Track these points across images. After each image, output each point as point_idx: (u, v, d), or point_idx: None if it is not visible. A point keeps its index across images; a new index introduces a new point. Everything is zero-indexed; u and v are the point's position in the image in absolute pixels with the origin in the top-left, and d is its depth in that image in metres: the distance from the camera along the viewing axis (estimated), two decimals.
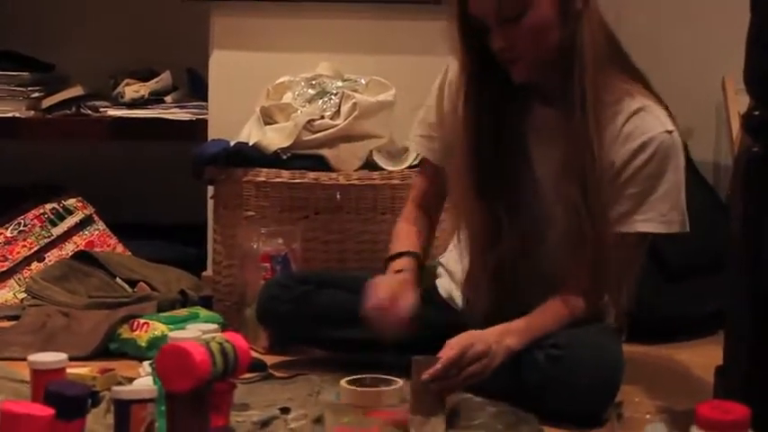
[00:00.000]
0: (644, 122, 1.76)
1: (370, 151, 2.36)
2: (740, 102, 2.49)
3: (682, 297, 2.38)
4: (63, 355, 1.61)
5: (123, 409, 1.39)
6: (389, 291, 1.79)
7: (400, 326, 1.78)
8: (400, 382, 1.63)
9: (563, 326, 1.78)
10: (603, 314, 1.89)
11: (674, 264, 2.38)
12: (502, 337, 1.73)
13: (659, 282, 2.37)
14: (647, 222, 1.77)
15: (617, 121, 1.76)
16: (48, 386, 1.38)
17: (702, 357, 2.09)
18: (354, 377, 1.64)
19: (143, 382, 1.72)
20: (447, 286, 1.99)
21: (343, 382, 1.64)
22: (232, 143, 2.37)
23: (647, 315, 2.29)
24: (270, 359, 2.07)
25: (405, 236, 1.93)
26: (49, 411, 1.32)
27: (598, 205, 1.73)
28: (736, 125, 2.57)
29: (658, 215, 1.77)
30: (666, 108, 1.81)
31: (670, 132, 1.77)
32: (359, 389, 1.62)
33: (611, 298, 1.86)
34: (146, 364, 1.93)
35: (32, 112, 2.73)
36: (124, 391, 1.43)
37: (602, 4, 2.51)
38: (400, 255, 1.88)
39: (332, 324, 1.96)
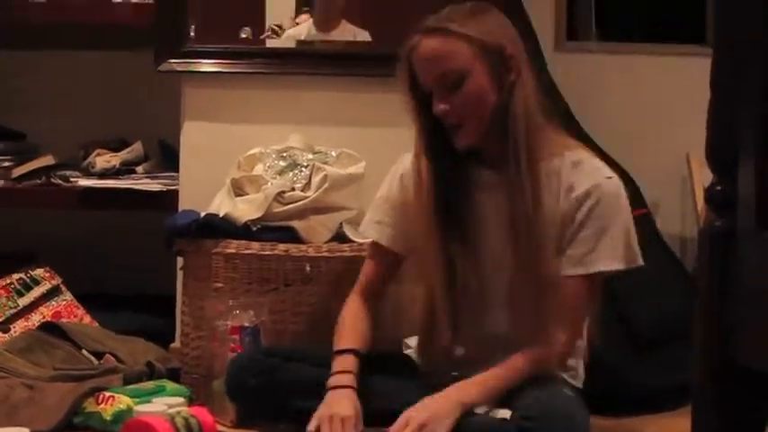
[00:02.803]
0: (584, 172, 1.89)
1: (340, 223, 2.37)
2: (705, 174, 2.54)
3: (653, 368, 2.38)
4: (26, 430, 1.59)
5: None
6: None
7: None
8: None
9: (524, 378, 1.83)
10: (577, 356, 1.97)
11: (644, 334, 2.40)
12: (451, 397, 1.79)
13: (630, 352, 2.38)
14: (605, 260, 1.87)
15: (560, 173, 1.89)
16: None
17: (671, 431, 2.08)
18: None
19: None
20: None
21: None
22: (202, 214, 2.37)
23: (618, 385, 2.30)
24: None
25: (350, 329, 2.01)
26: None
27: (537, 251, 1.84)
28: (700, 198, 2.61)
29: (615, 253, 1.87)
30: (602, 160, 1.96)
31: (610, 178, 1.90)
32: None
33: (571, 343, 1.92)
34: None
35: (2, 182, 2.73)
36: None
37: (571, 78, 2.61)
38: (344, 351, 1.96)
39: (299, 396, 1.96)
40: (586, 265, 1.87)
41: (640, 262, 1.90)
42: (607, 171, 1.91)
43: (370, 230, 2.07)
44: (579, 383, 2.00)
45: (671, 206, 2.77)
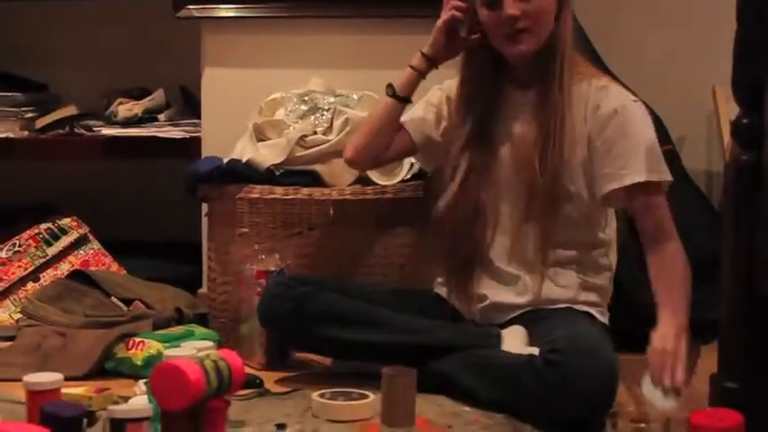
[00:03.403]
0: (610, 94, 1.98)
1: None
2: (731, 109, 2.50)
3: None
4: (58, 376, 1.61)
5: (119, 427, 1.39)
6: None
7: None
8: (371, 396, 1.73)
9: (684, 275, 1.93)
10: (605, 294, 2.03)
11: None
12: (679, 325, 1.85)
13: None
14: (636, 174, 1.92)
15: (588, 97, 1.97)
16: (43, 407, 1.39)
17: (698, 366, 2.08)
18: (327, 390, 1.79)
19: (139, 400, 1.72)
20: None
21: (314, 396, 1.70)
22: (225, 160, 2.38)
23: (644, 322, 2.29)
24: (266, 375, 2.07)
25: None
26: None
27: (558, 166, 1.93)
28: (727, 133, 2.58)
29: (644, 167, 1.92)
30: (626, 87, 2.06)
31: (635, 101, 1.99)
32: (329, 402, 1.77)
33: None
34: (141, 382, 1.93)
35: (26, 133, 2.74)
36: (119, 410, 1.44)
37: (595, 15, 2.57)
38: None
39: (330, 325, 2.00)
40: (621, 179, 1.92)
41: (669, 177, 1.96)
42: (632, 96, 2.01)
43: (406, 118, 2.14)
44: (606, 320, 2.02)
45: (697, 141, 2.74)
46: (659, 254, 1.93)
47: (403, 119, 2.13)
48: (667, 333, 1.82)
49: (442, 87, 2.13)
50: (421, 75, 2.08)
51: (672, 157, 2.55)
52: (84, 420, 1.43)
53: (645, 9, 2.77)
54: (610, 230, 2.07)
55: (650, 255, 1.94)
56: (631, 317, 2.17)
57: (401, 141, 2.13)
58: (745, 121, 1.64)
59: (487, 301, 2.01)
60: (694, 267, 2.42)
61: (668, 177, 1.96)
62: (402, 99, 2.09)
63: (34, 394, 1.57)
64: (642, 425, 1.37)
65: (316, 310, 2.01)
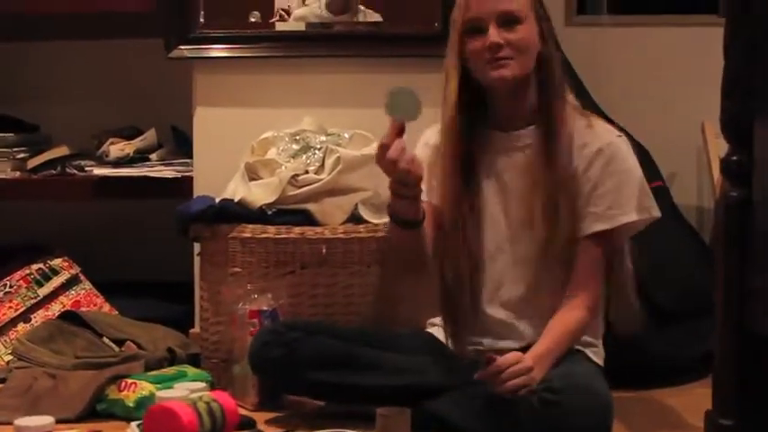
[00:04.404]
0: (596, 132, 1.98)
1: (356, 204, 2.37)
2: (720, 145, 2.52)
3: (672, 340, 2.38)
4: (50, 419, 1.60)
5: None
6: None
7: (409, 164, 1.84)
8: None
9: (576, 338, 1.91)
10: (596, 333, 2.01)
11: (663, 306, 2.39)
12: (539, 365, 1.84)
13: (649, 325, 2.37)
14: (626, 215, 1.93)
15: (572, 134, 1.95)
16: None
17: (692, 402, 2.08)
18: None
19: None
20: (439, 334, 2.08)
21: None
22: (217, 200, 2.38)
23: (637, 358, 2.30)
24: (259, 416, 2.06)
25: None
26: None
27: (568, 210, 1.91)
28: (716, 169, 2.59)
29: (635, 204, 1.93)
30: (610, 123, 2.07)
31: (620, 136, 1.99)
32: None
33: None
34: (134, 424, 1.92)
35: (18, 173, 2.74)
36: None
37: (583, 53, 2.59)
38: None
39: (321, 369, 1.99)
40: (610, 220, 1.92)
41: (658, 213, 1.97)
42: (617, 131, 2.01)
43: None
44: (601, 361, 2.01)
45: (687, 178, 2.75)
46: (572, 305, 1.92)
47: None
48: (529, 357, 1.84)
49: (427, 142, 2.07)
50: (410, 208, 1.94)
51: (662, 194, 2.57)
52: None
53: (634, 45, 2.80)
54: None
55: (567, 299, 1.92)
56: (626, 353, 2.18)
57: (430, 217, 1.98)
58: (734, 158, 1.65)
59: (481, 347, 1.99)
60: (685, 303, 2.43)
61: (657, 213, 1.97)
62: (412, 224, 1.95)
63: None
64: None
65: (306, 355, 1.99)
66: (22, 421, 1.60)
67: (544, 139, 1.94)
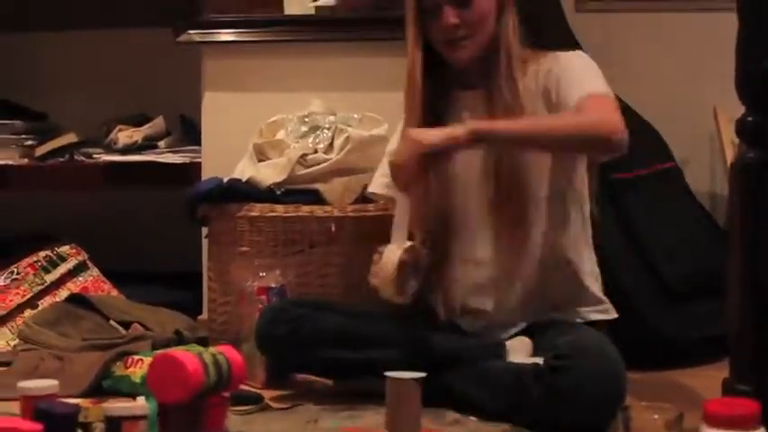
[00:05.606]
0: (557, 56, 1.97)
1: (365, 185, 2.35)
2: (732, 130, 2.49)
3: (682, 321, 2.35)
4: (53, 381, 1.58)
5: (115, 426, 1.35)
6: None
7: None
8: None
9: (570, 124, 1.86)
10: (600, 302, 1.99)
11: (675, 288, 2.37)
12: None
13: (660, 305, 2.35)
14: (591, 85, 1.89)
15: (537, 72, 1.96)
16: (37, 405, 1.35)
17: (707, 381, 2.05)
18: None
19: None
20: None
21: None
22: (225, 179, 2.36)
23: (648, 338, 2.27)
24: (267, 394, 2.03)
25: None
26: (37, 427, 1.28)
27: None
28: (729, 155, 2.56)
29: (591, 82, 1.90)
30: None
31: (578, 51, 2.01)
32: None
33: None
34: (139, 399, 1.89)
35: (26, 160, 2.73)
36: (116, 408, 1.40)
37: (595, 38, 2.58)
38: None
39: (328, 345, 1.96)
40: (579, 94, 1.88)
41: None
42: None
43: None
44: (612, 314, 1.99)
45: (700, 163, 2.72)
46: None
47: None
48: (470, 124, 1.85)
49: (391, 150, 2.07)
50: None
51: (675, 175, 2.55)
52: (77, 419, 1.38)
53: (646, 30, 2.78)
54: (580, 180, 2.02)
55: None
56: (636, 333, 2.15)
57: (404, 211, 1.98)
58: (750, 119, 1.63)
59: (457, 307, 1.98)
60: (697, 285, 2.40)
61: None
62: None
63: (29, 399, 1.53)
64: (656, 416, 1.34)
65: (312, 331, 1.97)
66: (26, 383, 1.57)
67: (500, 90, 1.93)
